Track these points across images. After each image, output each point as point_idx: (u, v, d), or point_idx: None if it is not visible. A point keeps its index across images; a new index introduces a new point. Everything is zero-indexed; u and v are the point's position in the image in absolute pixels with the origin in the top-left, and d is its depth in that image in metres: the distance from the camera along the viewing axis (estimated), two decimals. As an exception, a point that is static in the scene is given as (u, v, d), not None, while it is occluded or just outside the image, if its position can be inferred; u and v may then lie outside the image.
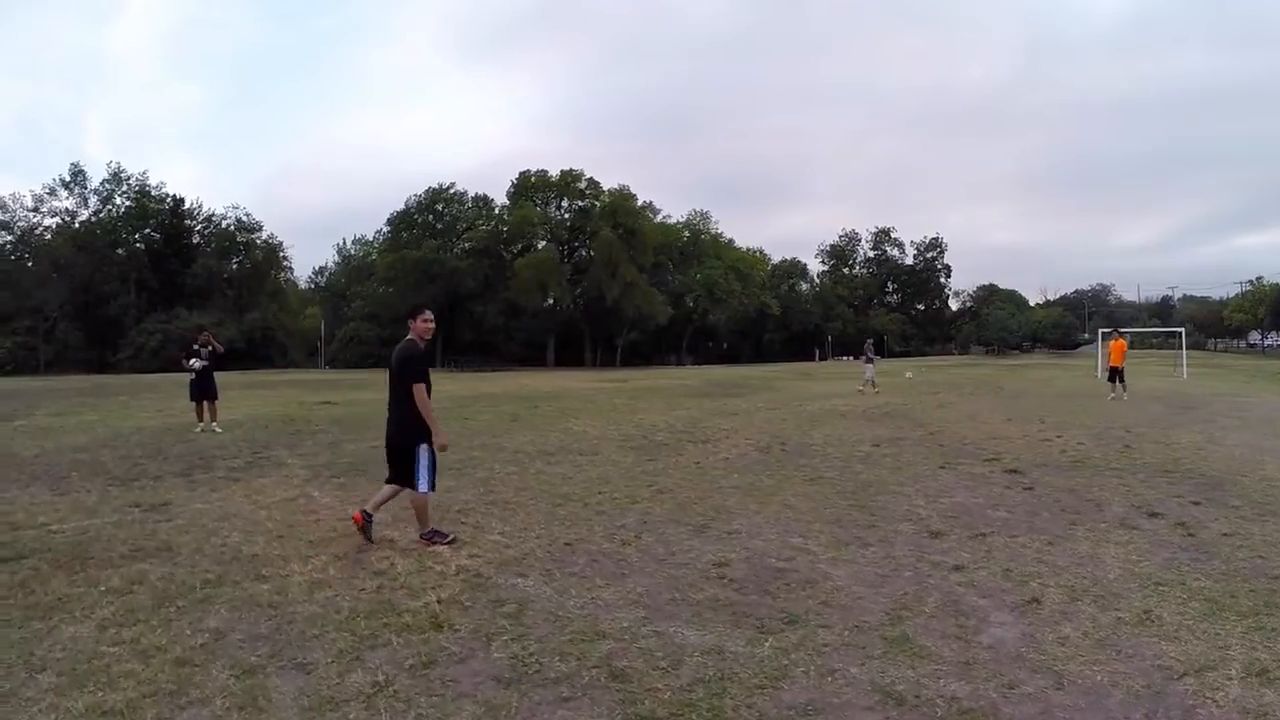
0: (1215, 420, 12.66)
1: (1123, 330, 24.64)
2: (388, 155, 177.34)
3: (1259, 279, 75.31)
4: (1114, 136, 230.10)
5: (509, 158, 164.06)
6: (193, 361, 11.97)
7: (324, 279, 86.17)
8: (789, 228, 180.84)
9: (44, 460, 8.92)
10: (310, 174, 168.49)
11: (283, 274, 66.18)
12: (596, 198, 63.03)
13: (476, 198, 64.09)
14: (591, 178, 63.57)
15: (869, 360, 21.78)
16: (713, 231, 75.53)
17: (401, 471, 4.94)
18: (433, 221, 61.95)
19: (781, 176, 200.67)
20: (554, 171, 63.31)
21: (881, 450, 9.41)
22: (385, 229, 64.65)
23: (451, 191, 62.83)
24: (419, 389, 4.82)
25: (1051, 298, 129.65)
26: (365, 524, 5.00)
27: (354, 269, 75.87)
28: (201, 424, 11.86)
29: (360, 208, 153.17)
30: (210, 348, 12.19)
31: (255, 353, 52.01)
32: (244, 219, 61.86)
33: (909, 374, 28.96)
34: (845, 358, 78.29)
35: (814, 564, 4.61)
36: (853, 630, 3.54)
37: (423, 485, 4.87)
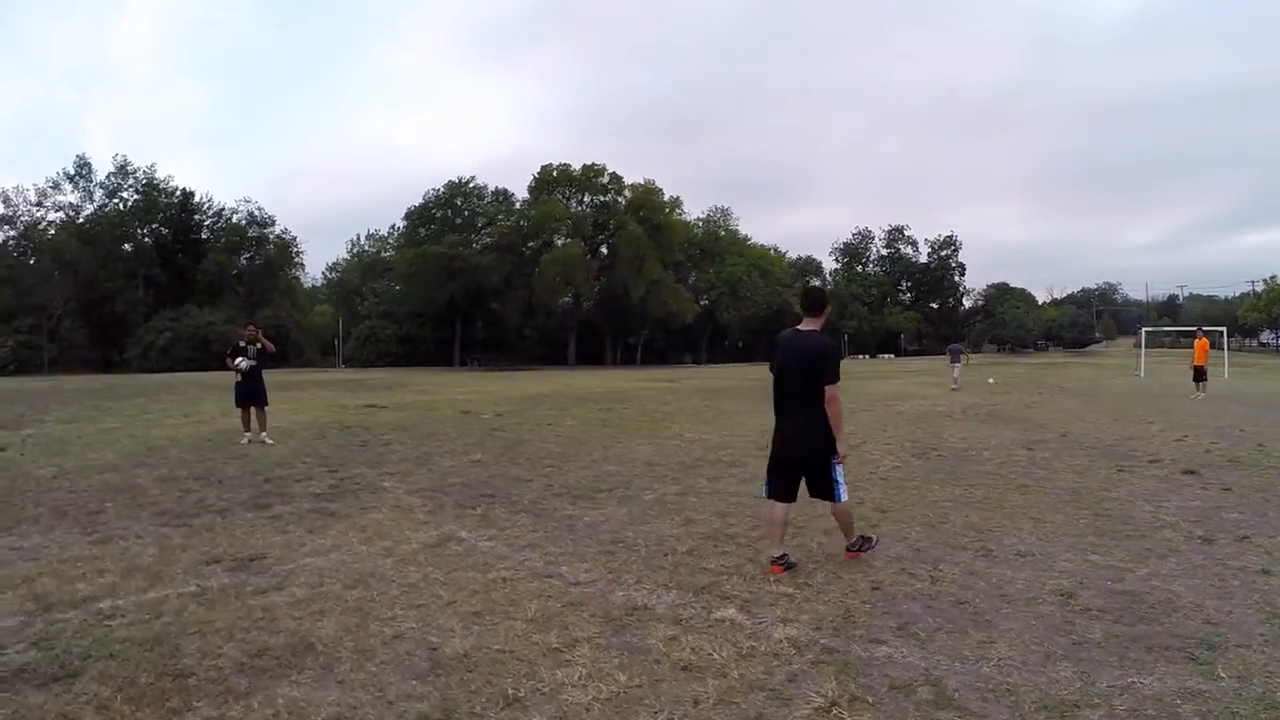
0: (1308, 418, 12.60)
1: (1206, 329, 23.08)
2: (399, 154, 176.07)
3: (1273, 278, 74.83)
4: (1121, 136, 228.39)
5: (520, 157, 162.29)
6: (239, 361, 10.14)
7: (336, 274, 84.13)
8: (800, 225, 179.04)
9: (66, 485, 6.98)
10: (320, 173, 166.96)
11: (294, 271, 64.03)
12: (619, 192, 60.82)
13: (496, 192, 61.80)
14: (614, 172, 61.41)
15: (956, 360, 21.77)
16: (732, 228, 73.55)
17: (816, 486, 4.39)
18: (451, 216, 59.61)
19: (791, 174, 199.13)
20: (575, 166, 61.25)
21: (1039, 454, 8.65)
22: (402, 224, 62.50)
23: (471, 186, 60.57)
24: (835, 390, 4.22)
25: (1059, 296, 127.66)
26: (786, 567, 4.33)
27: (367, 265, 73.76)
28: (249, 434, 10.05)
29: (371, 206, 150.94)
30: (259, 345, 10.36)
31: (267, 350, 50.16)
32: (256, 213, 59.73)
33: (991, 380, 27.41)
34: (861, 356, 76.36)
35: (1148, 582, 4.07)
36: (1267, 645, 3.20)
37: (843, 495, 4.37)
